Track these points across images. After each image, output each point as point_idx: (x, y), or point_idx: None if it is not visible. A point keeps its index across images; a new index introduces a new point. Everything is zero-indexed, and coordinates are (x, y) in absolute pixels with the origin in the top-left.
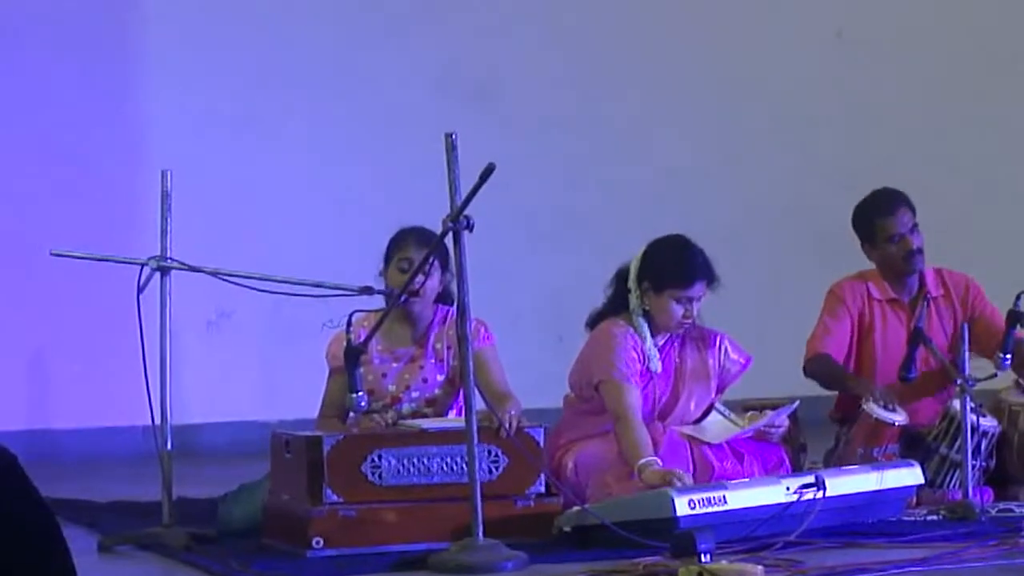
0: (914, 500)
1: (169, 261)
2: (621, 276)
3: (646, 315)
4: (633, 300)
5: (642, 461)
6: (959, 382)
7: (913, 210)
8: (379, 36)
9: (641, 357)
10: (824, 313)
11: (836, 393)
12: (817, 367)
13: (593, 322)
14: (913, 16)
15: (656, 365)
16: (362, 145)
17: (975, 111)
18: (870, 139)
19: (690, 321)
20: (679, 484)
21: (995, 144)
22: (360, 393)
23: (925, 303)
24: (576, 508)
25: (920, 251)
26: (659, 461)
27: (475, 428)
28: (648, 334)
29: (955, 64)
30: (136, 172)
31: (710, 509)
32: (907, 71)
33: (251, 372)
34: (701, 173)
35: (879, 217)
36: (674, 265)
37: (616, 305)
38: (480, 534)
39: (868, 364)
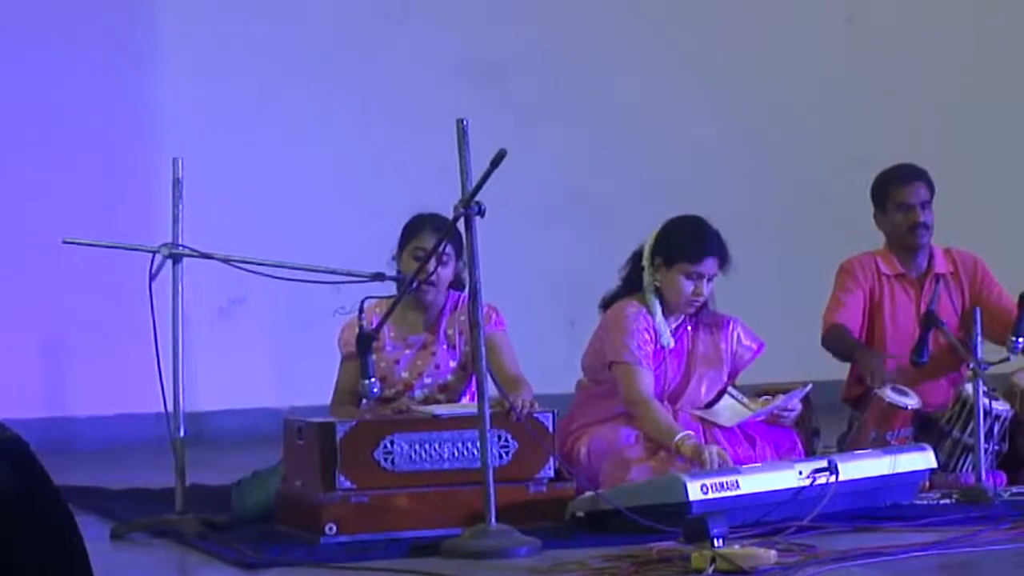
0: (927, 484)
1: (181, 248)
2: (636, 255)
3: (658, 293)
4: (646, 277)
5: (679, 436)
6: (972, 366)
7: (931, 189)
8: (391, 23)
9: (654, 337)
10: (836, 288)
11: (847, 376)
12: (832, 338)
13: (607, 303)
14: (924, 0)
15: (668, 340)
16: (374, 131)
17: (988, 95)
18: (883, 124)
19: (700, 299)
20: (716, 458)
21: (1009, 128)
22: (372, 379)
23: (936, 284)
24: (589, 493)
25: (926, 227)
26: (693, 435)
27: (487, 413)
28: (659, 311)
29: (967, 48)
30: (148, 160)
31: (723, 494)
32: (919, 55)
33: (263, 359)
34: (713, 158)
35: (895, 185)
36: (686, 240)
37: (630, 285)
38: (493, 520)
39: (878, 340)
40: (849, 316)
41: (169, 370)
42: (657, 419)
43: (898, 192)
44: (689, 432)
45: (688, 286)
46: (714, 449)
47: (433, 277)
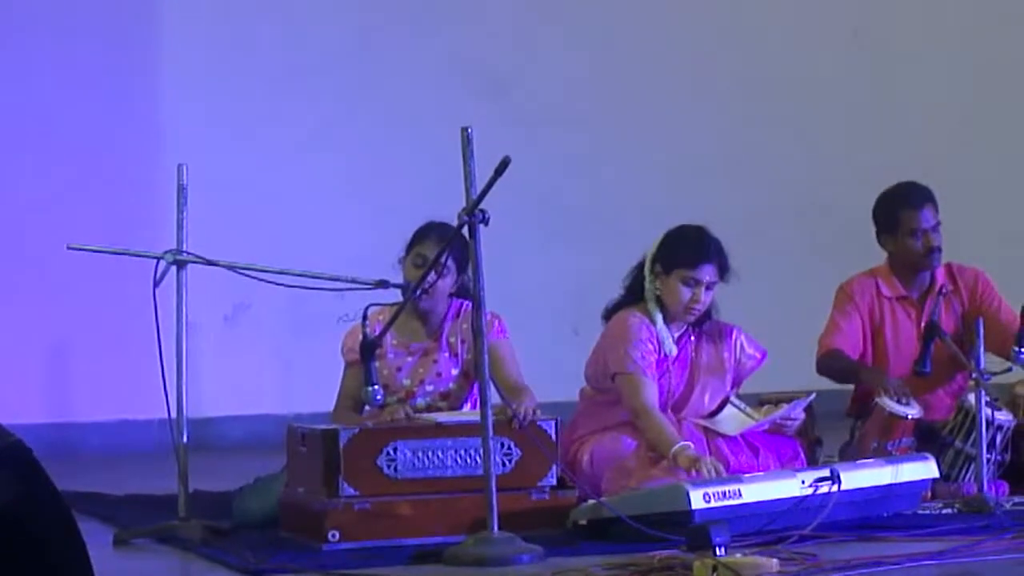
0: (929, 494)
1: (185, 255)
2: (639, 265)
3: (659, 301)
4: (648, 285)
5: (677, 447)
6: (974, 376)
7: (937, 208)
8: (395, 32)
9: (657, 347)
10: (834, 311)
11: (852, 388)
12: (829, 363)
13: (609, 313)
14: (929, 14)
15: (670, 348)
16: (378, 140)
17: (992, 108)
18: (886, 137)
19: (698, 306)
20: (710, 470)
21: (1012, 142)
22: (376, 386)
23: (938, 297)
24: (591, 501)
25: (939, 250)
26: (692, 445)
27: (490, 421)
28: (660, 319)
29: (971, 61)
30: (153, 166)
31: (725, 502)
32: (922, 69)
33: (267, 366)
34: (718, 169)
35: (905, 209)
36: (685, 247)
37: (633, 295)
38: (495, 527)
39: (881, 361)
40: (846, 342)
41: (173, 376)
42: (659, 429)
43: (910, 218)
44: (687, 443)
45: (686, 293)
46: (708, 460)
47: (429, 287)
